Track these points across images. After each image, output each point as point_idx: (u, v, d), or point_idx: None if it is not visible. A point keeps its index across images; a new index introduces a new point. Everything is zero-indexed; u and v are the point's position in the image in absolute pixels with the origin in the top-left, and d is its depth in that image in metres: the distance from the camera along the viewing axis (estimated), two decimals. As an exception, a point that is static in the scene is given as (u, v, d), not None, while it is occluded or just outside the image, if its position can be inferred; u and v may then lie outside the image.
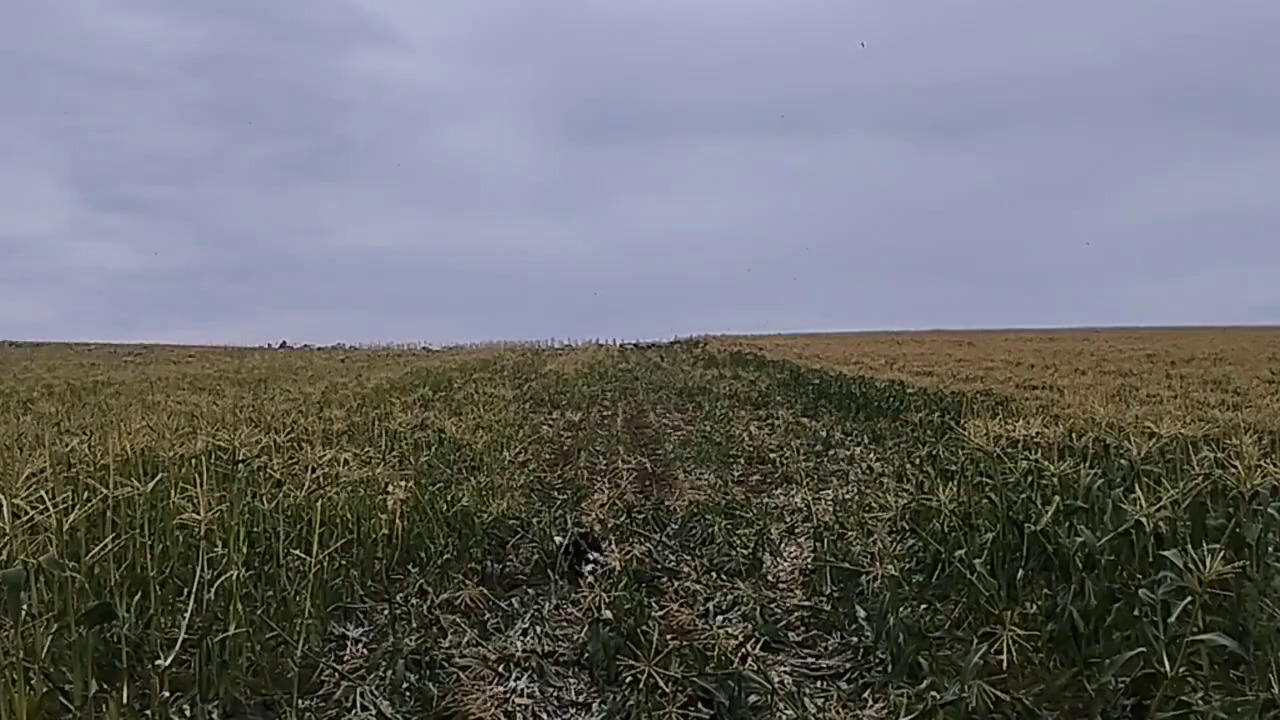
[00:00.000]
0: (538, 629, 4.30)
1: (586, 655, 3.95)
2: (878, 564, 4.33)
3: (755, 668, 3.71)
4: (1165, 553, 3.24)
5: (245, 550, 3.70)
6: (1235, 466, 3.73)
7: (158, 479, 3.71)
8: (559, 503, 6.80)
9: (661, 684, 3.35)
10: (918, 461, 7.87)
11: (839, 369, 17.90)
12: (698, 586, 5.01)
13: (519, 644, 4.13)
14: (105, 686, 2.89)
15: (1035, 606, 3.70)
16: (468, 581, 4.86)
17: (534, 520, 6.14)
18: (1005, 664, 3.33)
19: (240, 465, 4.66)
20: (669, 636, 4.03)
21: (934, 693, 3.22)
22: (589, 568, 5.19)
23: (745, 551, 5.56)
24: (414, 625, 4.27)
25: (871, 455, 9.35)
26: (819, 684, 3.79)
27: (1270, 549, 3.59)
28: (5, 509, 2.68)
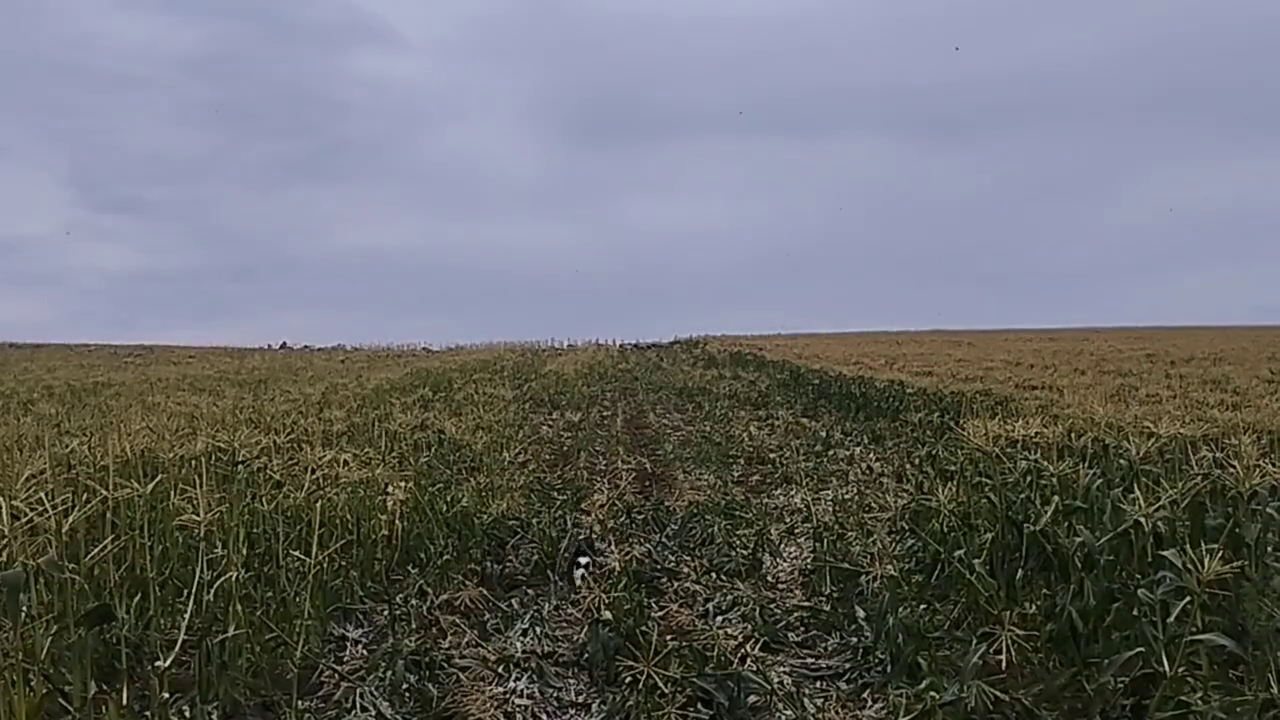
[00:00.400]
0: (537, 629, 4.30)
1: (586, 656, 3.95)
2: (877, 564, 4.33)
3: (754, 668, 3.72)
4: (1164, 553, 3.24)
5: (245, 551, 3.70)
6: (1234, 466, 3.73)
7: (157, 480, 3.71)
8: (559, 503, 6.80)
9: (661, 684, 3.35)
10: (917, 462, 7.87)
11: (839, 369, 17.89)
12: (697, 587, 5.01)
13: (519, 645, 4.13)
14: (105, 688, 2.89)
15: (1034, 606, 3.70)
16: (467, 582, 4.86)
17: (534, 521, 6.14)
18: (1004, 664, 3.33)
19: (240, 466, 4.67)
20: (668, 637, 4.04)
21: (933, 693, 3.23)
22: (579, 573, 5.16)
23: (745, 552, 5.56)
24: (414, 626, 4.27)
25: (871, 455, 9.36)
26: (818, 684, 3.79)
27: (1269, 549, 3.59)
28: (5, 511, 2.68)
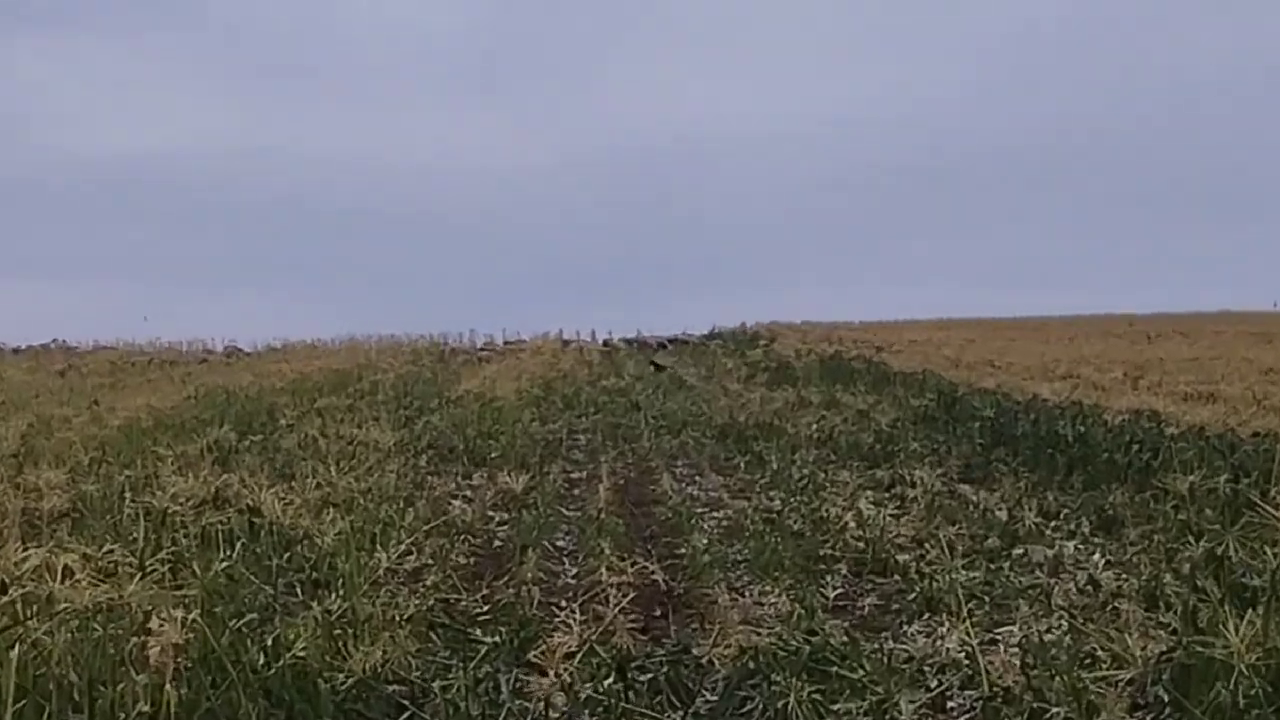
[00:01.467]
0: None
1: None
2: (1110, 770, 4.32)
3: None
4: None
5: None
6: None
7: None
8: (485, 651, 6.79)
9: None
10: (1188, 569, 7.87)
11: (1030, 388, 17.89)
12: (757, 815, 5.01)
13: None
14: None
15: None
16: (306, 806, 4.85)
17: (435, 686, 6.13)
18: None
19: None
20: None
21: None
22: None
23: (850, 746, 5.57)
24: None
25: (1097, 556, 9.36)
26: None
27: None
28: None
